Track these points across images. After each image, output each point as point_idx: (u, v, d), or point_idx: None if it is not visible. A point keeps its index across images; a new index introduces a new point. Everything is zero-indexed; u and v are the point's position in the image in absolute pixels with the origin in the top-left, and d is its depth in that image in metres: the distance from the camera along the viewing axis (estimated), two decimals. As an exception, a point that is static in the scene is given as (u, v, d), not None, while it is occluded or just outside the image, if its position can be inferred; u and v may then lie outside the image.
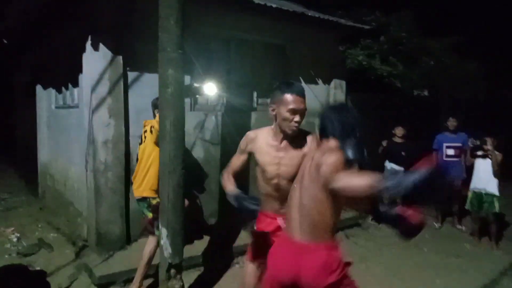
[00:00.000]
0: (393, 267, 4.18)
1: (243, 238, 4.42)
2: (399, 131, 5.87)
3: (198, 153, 4.48)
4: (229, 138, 4.64)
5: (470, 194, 5.01)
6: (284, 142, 2.24)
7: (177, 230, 3.02)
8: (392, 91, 6.78)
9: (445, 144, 5.56)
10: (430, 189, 1.40)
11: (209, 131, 4.54)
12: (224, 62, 4.78)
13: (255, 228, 2.47)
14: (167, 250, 3.01)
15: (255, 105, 5.06)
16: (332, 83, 5.81)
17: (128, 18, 3.80)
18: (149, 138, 3.40)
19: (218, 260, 4.08)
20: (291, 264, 1.90)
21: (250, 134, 2.44)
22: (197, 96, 4.52)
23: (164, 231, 3.00)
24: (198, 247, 4.08)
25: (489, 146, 4.78)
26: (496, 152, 4.72)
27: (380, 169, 5.97)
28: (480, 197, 4.86)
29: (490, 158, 4.75)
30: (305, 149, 2.20)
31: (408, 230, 1.77)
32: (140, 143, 3.51)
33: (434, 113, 7.37)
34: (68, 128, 4.52)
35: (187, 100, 3.92)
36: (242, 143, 2.47)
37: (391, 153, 5.87)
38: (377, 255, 4.53)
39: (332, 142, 1.94)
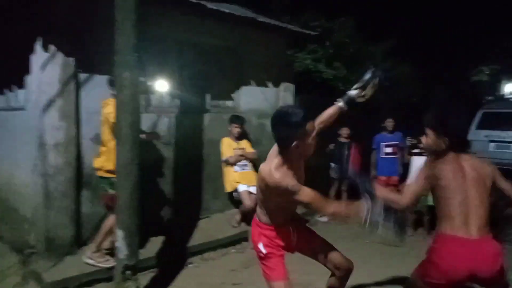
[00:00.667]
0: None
1: (197, 238, 4.51)
2: (344, 131, 6.27)
3: (151, 154, 4.49)
4: (182, 140, 4.71)
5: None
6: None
7: (132, 231, 3.05)
8: (338, 93, 7.17)
9: (383, 143, 6.01)
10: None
11: (162, 133, 4.56)
12: (177, 64, 4.82)
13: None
14: (123, 251, 3.03)
15: (208, 107, 5.15)
16: (282, 86, 6.04)
17: (80, 20, 3.73)
18: (106, 127, 3.50)
19: (173, 261, 4.13)
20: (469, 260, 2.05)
21: None
22: (151, 97, 4.54)
23: (119, 233, 3.02)
24: (153, 248, 4.10)
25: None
26: None
27: (326, 168, 6.32)
28: None
29: (426, 156, 5.20)
30: None
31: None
32: (103, 125, 3.58)
33: (375, 113, 7.90)
34: (12, 131, 4.31)
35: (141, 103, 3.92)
36: None
37: (337, 152, 6.25)
38: (326, 249, 4.81)
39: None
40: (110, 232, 3.55)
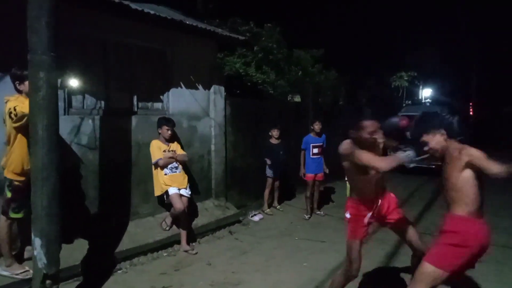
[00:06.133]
0: (270, 256, 4.62)
1: (125, 243, 4.40)
2: (275, 132, 6.52)
3: (74, 158, 4.29)
4: (108, 142, 4.56)
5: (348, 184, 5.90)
6: None
7: (52, 239, 2.91)
8: (268, 97, 7.41)
9: (311, 144, 6.33)
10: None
11: (86, 136, 4.38)
12: (102, 65, 4.67)
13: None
14: (42, 260, 2.88)
15: (135, 109, 5.04)
16: (212, 89, 6.09)
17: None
18: (9, 124, 3.31)
19: (100, 268, 3.99)
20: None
21: None
22: (72, 98, 4.35)
23: (37, 241, 2.87)
24: (77, 255, 3.92)
25: None
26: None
27: (263, 165, 6.49)
28: None
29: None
30: None
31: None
32: (4, 123, 3.40)
33: (302, 116, 8.28)
34: None
35: (60, 104, 3.73)
36: None
37: (269, 152, 6.47)
38: (256, 248, 4.94)
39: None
40: (10, 238, 3.45)
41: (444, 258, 2.43)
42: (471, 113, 19.38)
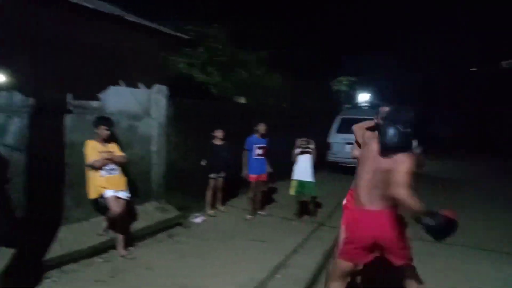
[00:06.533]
0: (210, 259, 4.58)
1: (56, 250, 4.12)
2: (219, 133, 6.48)
3: (-2, 159, 3.95)
4: (38, 142, 4.24)
5: (295, 183, 6.11)
6: None
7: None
8: (213, 97, 7.34)
9: (255, 145, 6.38)
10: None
11: (12, 135, 4.05)
12: (30, 60, 4.34)
13: None
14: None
15: (70, 106, 4.74)
16: (154, 88, 5.92)
17: None
18: None
19: (26, 277, 3.70)
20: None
21: None
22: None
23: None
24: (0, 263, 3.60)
25: (311, 145, 6.08)
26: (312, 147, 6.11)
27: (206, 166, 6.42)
28: (303, 184, 6.06)
29: (310, 153, 6.01)
30: None
31: (447, 227, 2.42)
32: None
33: (249, 118, 8.31)
34: None
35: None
36: None
37: (213, 153, 6.41)
38: (198, 250, 4.87)
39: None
40: None
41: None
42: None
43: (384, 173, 2.64)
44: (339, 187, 8.94)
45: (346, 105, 17.57)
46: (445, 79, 22.42)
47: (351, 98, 18.72)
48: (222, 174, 6.56)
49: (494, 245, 5.31)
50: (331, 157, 11.11)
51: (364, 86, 20.61)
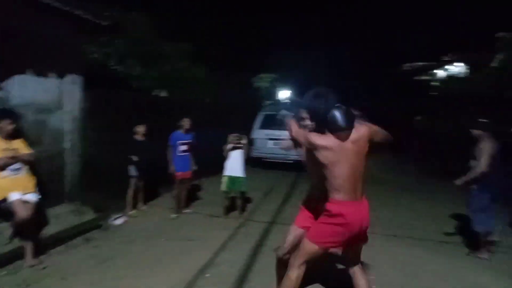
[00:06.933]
0: (135, 262, 4.30)
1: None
2: (141, 129, 6.13)
3: None
4: None
5: (226, 179, 6.00)
6: None
7: None
8: (133, 90, 6.89)
9: (178, 142, 6.15)
10: None
11: None
12: None
13: None
14: None
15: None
16: (67, 78, 5.39)
17: None
18: None
19: None
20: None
21: None
22: None
23: None
24: None
25: (244, 141, 6.02)
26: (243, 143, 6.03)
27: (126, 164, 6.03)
28: (233, 180, 5.96)
29: (242, 149, 5.96)
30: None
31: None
32: None
33: (170, 112, 7.99)
34: None
35: None
36: None
37: (134, 149, 6.04)
38: (120, 253, 4.55)
39: None
40: None
41: (319, 235, 2.79)
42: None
43: (358, 155, 2.70)
44: (262, 182, 9.11)
45: (268, 101, 17.98)
46: (355, 77, 24.05)
47: (272, 95, 19.19)
48: (144, 172, 6.23)
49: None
50: (254, 153, 11.23)
51: (284, 83, 21.30)
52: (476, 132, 4.67)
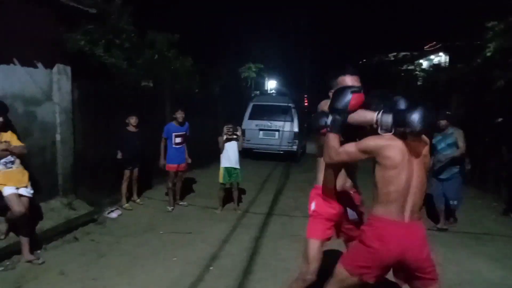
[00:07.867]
0: (134, 256, 4.21)
1: None
2: (133, 120, 5.98)
3: None
4: None
5: (222, 170, 5.88)
6: None
7: None
8: (122, 80, 6.69)
9: (173, 133, 6.03)
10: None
11: None
12: None
13: None
14: None
15: None
16: (56, 68, 5.19)
17: None
18: None
19: None
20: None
21: None
22: None
23: None
24: None
25: (239, 132, 5.91)
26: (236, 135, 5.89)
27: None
28: (230, 171, 5.85)
29: (237, 141, 5.86)
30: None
31: None
32: None
33: (158, 103, 7.82)
34: None
35: None
36: None
37: (125, 141, 5.90)
38: (116, 248, 4.45)
39: None
40: None
41: (350, 258, 2.24)
42: (306, 103, 21.82)
43: (421, 165, 2.17)
44: (255, 173, 9.08)
45: (256, 92, 17.91)
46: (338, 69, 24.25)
47: (259, 85, 19.10)
48: (138, 164, 6.10)
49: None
50: (244, 144, 11.20)
51: (271, 74, 21.23)
52: (442, 122, 5.20)
